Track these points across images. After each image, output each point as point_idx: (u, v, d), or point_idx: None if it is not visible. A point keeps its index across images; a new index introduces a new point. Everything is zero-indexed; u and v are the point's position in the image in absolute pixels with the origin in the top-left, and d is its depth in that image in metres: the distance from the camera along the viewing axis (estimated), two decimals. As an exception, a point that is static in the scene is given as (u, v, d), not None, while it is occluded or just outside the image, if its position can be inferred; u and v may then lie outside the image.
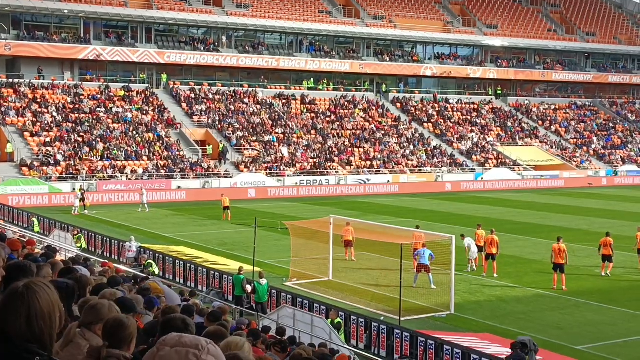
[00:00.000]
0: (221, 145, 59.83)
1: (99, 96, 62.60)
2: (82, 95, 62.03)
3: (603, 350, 18.83)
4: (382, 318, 20.47)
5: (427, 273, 25.09)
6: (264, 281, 21.91)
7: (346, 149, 64.66)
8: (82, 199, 45.16)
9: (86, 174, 52.05)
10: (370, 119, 71.36)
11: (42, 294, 3.06)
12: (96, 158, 54.12)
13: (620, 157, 75.89)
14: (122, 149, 56.12)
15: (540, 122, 79.93)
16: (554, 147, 75.05)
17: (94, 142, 55.79)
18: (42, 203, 47.17)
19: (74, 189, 48.35)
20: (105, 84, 64.47)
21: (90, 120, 58.67)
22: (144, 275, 22.78)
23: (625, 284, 26.59)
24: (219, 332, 5.51)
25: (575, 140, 78.01)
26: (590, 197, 56.70)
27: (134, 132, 58.80)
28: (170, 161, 56.23)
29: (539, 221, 42.74)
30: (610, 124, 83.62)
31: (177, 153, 57.77)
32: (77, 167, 52.33)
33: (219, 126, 62.99)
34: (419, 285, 25.35)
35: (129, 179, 52.83)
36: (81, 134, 56.65)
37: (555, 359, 16.92)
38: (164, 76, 68.17)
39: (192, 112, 64.41)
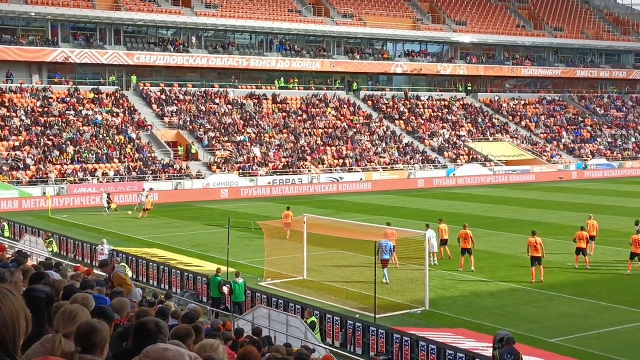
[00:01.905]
0: (192, 147, 59.57)
1: (68, 99, 62.01)
2: (51, 98, 61.42)
3: (576, 343, 19.01)
4: (357, 316, 20.50)
5: (385, 267, 25.16)
6: (240, 280, 21.84)
7: (318, 148, 64.68)
8: (109, 201, 45.77)
9: (56, 177, 51.55)
10: (342, 117, 71.44)
11: (5, 301, 3.01)
12: (66, 161, 53.64)
13: (590, 150, 76.72)
14: (92, 152, 55.66)
15: (510, 118, 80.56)
16: (525, 142, 75.68)
17: (63, 146, 55.26)
18: (12, 207, 46.66)
19: (44, 193, 48.02)
20: (74, 86, 63.86)
21: (60, 124, 58.10)
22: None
23: (596, 276, 26.87)
24: (187, 331, 5.48)
25: (545, 134, 78.72)
26: (561, 191, 57.26)
27: (104, 135, 58.34)
28: (141, 163, 55.85)
29: (511, 216, 43.07)
30: (579, 118, 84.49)
31: (149, 155, 57.41)
32: (47, 171, 51.80)
33: (190, 127, 62.70)
34: (392, 281, 25.41)
35: (100, 182, 52.41)
36: (50, 137, 56.10)
37: (530, 353, 17.03)
38: (134, 77, 67.69)
39: (162, 113, 64.04)
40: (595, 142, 79.40)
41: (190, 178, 55.71)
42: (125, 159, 56.04)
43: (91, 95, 63.34)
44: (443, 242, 29.59)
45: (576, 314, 21.91)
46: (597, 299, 23.37)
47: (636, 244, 26.47)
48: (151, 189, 50.27)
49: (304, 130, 67.31)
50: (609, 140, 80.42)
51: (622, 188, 59.23)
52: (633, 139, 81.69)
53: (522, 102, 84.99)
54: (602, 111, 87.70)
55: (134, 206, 45.79)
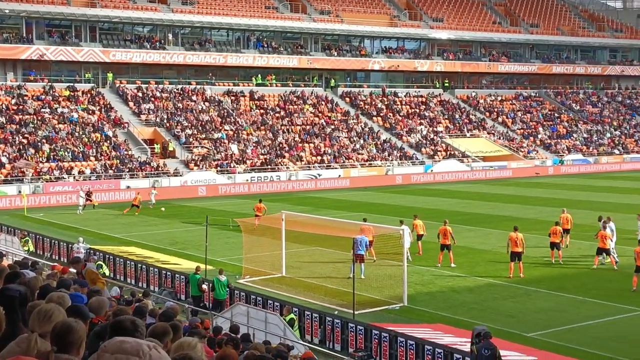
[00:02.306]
0: (169, 144, 59.33)
1: (43, 97, 61.47)
2: (26, 96, 60.85)
3: (553, 337, 19.15)
4: (336, 312, 20.51)
5: (361, 262, 25.19)
6: (223, 278, 21.81)
7: (296, 145, 64.63)
8: (89, 199, 45.54)
9: (32, 176, 51.10)
10: (320, 114, 71.44)
11: None
12: (42, 159, 53.17)
13: (566, 146, 77.31)
14: (68, 150, 55.24)
15: (487, 114, 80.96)
16: (501, 137, 76.11)
17: (39, 144, 54.79)
18: (-13, 207, 46.19)
19: (19, 192, 47.58)
20: (50, 84, 63.32)
21: (35, 122, 57.60)
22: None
23: (573, 270, 27.08)
24: (165, 330, 5.44)
25: (521, 130, 79.21)
26: (538, 187, 57.66)
27: (81, 133, 57.92)
28: (118, 161, 55.51)
29: (489, 211, 43.31)
30: (556, 114, 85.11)
31: (125, 152, 57.07)
32: (22, 169, 51.30)
33: (167, 124, 62.41)
34: (371, 277, 25.46)
35: (77, 180, 52.02)
36: (26, 135, 55.59)
37: (507, 347, 17.13)
38: (110, 75, 67.23)
39: (139, 110, 63.68)
40: (571, 137, 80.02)
41: (168, 176, 55.46)
42: (102, 157, 55.68)
43: (67, 93, 62.84)
44: (418, 237, 29.74)
45: (553, 308, 22.07)
46: (573, 293, 23.56)
47: (602, 239, 26.83)
48: (154, 186, 50.00)
49: (282, 127, 67.24)
50: (585, 135, 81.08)
51: (597, 183, 59.76)
52: (608, 135, 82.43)
53: (499, 98, 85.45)
54: (578, 107, 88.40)
55: (147, 202, 45.69)
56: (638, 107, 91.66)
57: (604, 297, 23.03)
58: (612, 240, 27.21)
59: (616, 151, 78.53)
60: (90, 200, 45.89)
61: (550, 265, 27.70)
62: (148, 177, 54.63)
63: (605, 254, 27.01)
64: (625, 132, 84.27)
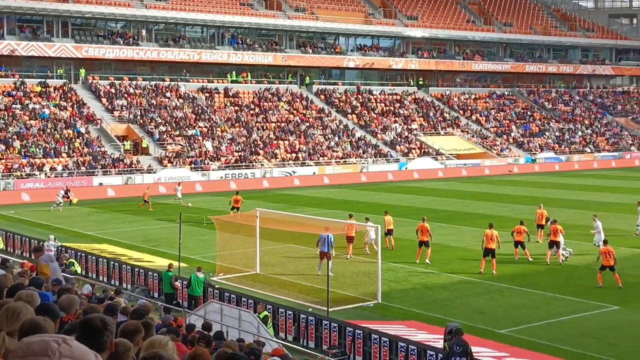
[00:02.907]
0: (143, 141, 58.96)
1: (14, 92, 60.74)
2: (-3, 91, 60.14)
3: (525, 333, 19.30)
4: (310, 310, 20.50)
5: (328, 260, 25.21)
6: (200, 275, 21.75)
7: (271, 142, 64.51)
8: (67, 196, 45.20)
9: (2, 172, 50.52)
10: (295, 111, 71.36)
11: None
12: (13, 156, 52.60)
13: (539, 144, 77.92)
14: (40, 146, 54.68)
15: (461, 112, 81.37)
16: (475, 135, 76.54)
17: (10, 140, 54.17)
18: (-44, 204, 45.59)
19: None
20: (21, 79, 62.59)
21: (6, 118, 56.94)
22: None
23: (544, 267, 27.29)
24: (136, 328, 5.39)
25: (495, 128, 79.71)
26: (511, 184, 58.05)
27: (52, 129, 57.36)
28: (90, 157, 55.05)
29: (462, 209, 43.52)
30: (528, 113, 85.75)
31: (98, 149, 56.61)
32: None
33: (141, 121, 61.99)
34: (345, 274, 25.49)
35: (48, 177, 51.52)
36: (-3, 131, 54.96)
37: (479, 343, 17.23)
38: (82, 71, 66.62)
39: (112, 107, 63.19)
40: (544, 136, 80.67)
41: (141, 173, 55.10)
42: (74, 154, 55.18)
43: (38, 89, 62.18)
44: (388, 233, 29.99)
45: (525, 305, 22.24)
46: (545, 290, 23.75)
47: (554, 233, 27.39)
48: (178, 182, 49.78)
49: (257, 125, 67.07)
50: (557, 134, 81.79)
51: (569, 181, 60.30)
52: (580, 133, 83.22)
53: (473, 96, 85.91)
54: (551, 106, 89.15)
55: (173, 197, 46.01)
56: (609, 106, 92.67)
57: (575, 293, 23.26)
58: (563, 235, 27.81)
59: (587, 149, 79.31)
60: (68, 198, 45.52)
61: (523, 262, 27.89)
62: (121, 174, 54.22)
63: (556, 247, 27.38)
64: (597, 130, 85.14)
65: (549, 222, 29.25)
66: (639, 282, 24.98)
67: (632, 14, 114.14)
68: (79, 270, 25.76)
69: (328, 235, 25.15)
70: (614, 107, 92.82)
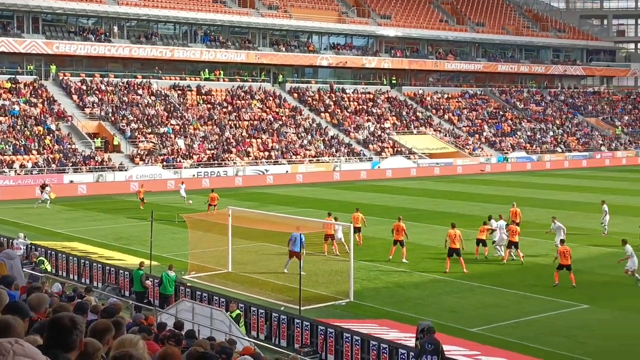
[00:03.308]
0: (115, 139, 58.52)
1: (-17, 88, 60.01)
2: (-34, 87, 59.35)
3: (496, 332, 19.43)
4: (282, 308, 20.48)
5: (298, 259, 25.24)
6: (172, 273, 21.59)
7: (244, 140, 64.33)
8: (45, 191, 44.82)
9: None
10: (268, 110, 71.22)
11: None
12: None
13: (510, 144, 78.51)
14: (9, 143, 54.03)
15: (434, 111, 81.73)
16: (448, 135, 76.92)
17: (-21, 137, 53.51)
18: None
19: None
20: (-10, 75, 61.86)
21: (-25, 114, 56.21)
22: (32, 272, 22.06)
23: (515, 267, 27.48)
24: (106, 327, 5.34)
25: (467, 128, 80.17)
26: (483, 184, 58.43)
27: (22, 126, 56.71)
28: (61, 155, 54.52)
29: (435, 208, 43.71)
30: (500, 112, 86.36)
31: (69, 146, 56.07)
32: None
33: (112, 118, 61.50)
34: (317, 273, 25.50)
35: (18, 174, 50.94)
36: (-35, 128, 54.23)
37: (450, 342, 17.31)
38: (53, 67, 65.93)
39: (83, 104, 62.61)
40: (516, 135, 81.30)
41: (113, 170, 54.68)
42: (45, 151, 54.62)
43: (8, 85, 61.44)
44: (357, 230, 30.08)
45: (496, 303, 22.39)
46: (516, 289, 23.93)
47: (512, 233, 27.72)
48: (182, 181, 49.13)
49: (230, 122, 66.85)
50: (529, 133, 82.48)
51: (540, 180, 60.83)
52: (551, 133, 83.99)
53: (445, 95, 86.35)
54: (522, 105, 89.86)
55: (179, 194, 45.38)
56: (580, 106, 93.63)
57: (545, 292, 23.46)
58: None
59: (558, 149, 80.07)
60: (47, 193, 45.15)
61: (495, 261, 28.07)
62: (92, 171, 53.77)
63: (514, 247, 27.64)
64: (568, 130, 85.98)
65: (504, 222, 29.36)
66: (608, 281, 25.26)
67: (602, 15, 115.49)
68: (49, 268, 25.50)
69: (300, 235, 25.13)
70: (585, 108, 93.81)
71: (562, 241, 25.69)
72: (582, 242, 32.06)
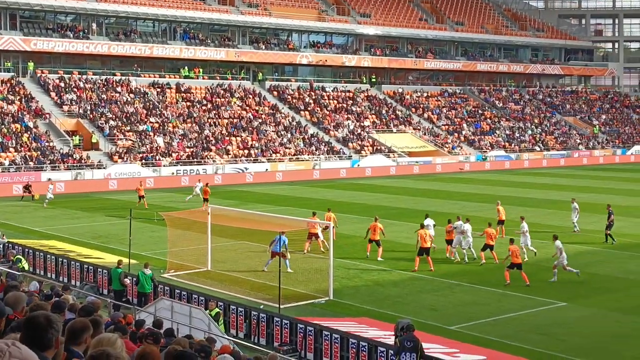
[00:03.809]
0: (93, 137, 58.12)
1: (-40, 85, 59.37)
2: (-59, 84, 58.67)
3: (475, 329, 19.50)
4: (261, 307, 20.44)
5: (283, 258, 25.20)
6: (148, 271, 21.45)
7: (223, 138, 64.14)
8: (28, 191, 44.95)
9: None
10: (247, 108, 71.06)
11: None
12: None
13: (489, 142, 78.87)
14: (-14, 141, 53.53)
15: (413, 110, 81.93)
16: (427, 133, 77.14)
17: (-45, 134, 52.93)
18: None
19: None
20: (-33, 72, 61.20)
21: (-49, 111, 55.59)
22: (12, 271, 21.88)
23: (494, 265, 27.56)
24: (84, 325, 5.29)
25: (446, 126, 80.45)
26: (462, 182, 58.67)
27: (0, 123, 56.16)
28: (39, 152, 54.06)
29: (414, 206, 43.80)
30: (479, 111, 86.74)
31: (47, 144, 55.62)
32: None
33: (91, 116, 61.07)
34: (297, 271, 25.49)
35: (-5, 172, 50.46)
36: (-59, 125, 53.62)
37: (430, 340, 17.36)
38: (31, 64, 65.33)
39: (61, 101, 62.13)
40: (494, 134, 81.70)
41: (91, 168, 54.31)
42: (22, 149, 54.14)
43: (-15, 82, 60.86)
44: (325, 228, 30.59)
45: (475, 301, 22.48)
46: (495, 287, 24.04)
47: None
48: (199, 180, 47.79)
49: (209, 120, 66.62)
50: (507, 132, 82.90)
51: (519, 179, 61.18)
52: (530, 132, 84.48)
53: (425, 94, 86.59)
54: (501, 104, 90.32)
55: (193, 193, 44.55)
56: (558, 105, 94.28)
57: (524, 290, 23.59)
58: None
59: (537, 148, 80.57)
60: (30, 192, 45.00)
61: (473, 260, 28.16)
62: (70, 169, 53.37)
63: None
64: (546, 129, 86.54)
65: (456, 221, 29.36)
66: (586, 279, 25.43)
67: (580, 15, 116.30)
68: (26, 267, 25.29)
69: (281, 237, 25.11)
70: (563, 107, 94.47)
71: (511, 240, 25.80)
72: (561, 240, 32.23)
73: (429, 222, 29.22)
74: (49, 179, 47.89)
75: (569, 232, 33.80)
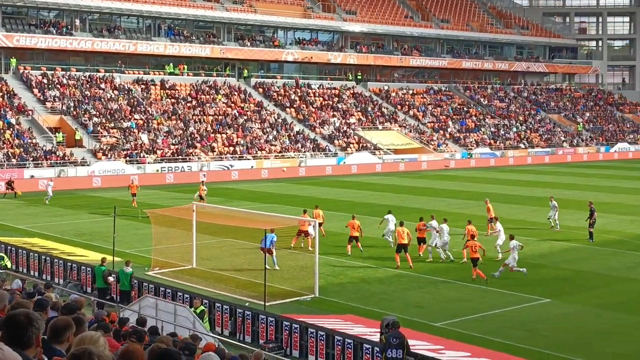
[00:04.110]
0: (77, 134, 57.78)
1: (-58, 81, 58.84)
2: None
3: (460, 326, 19.54)
4: (247, 304, 20.38)
5: (270, 255, 25.17)
6: (128, 269, 21.30)
7: (208, 135, 63.95)
8: (11, 187, 44.80)
9: None
10: (233, 105, 70.87)
11: None
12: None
13: (474, 140, 79.08)
14: (-31, 138, 53.10)
15: (399, 107, 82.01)
16: (413, 131, 77.23)
17: (-63, 131, 52.47)
18: None
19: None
20: (-51, 68, 60.66)
21: None
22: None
23: (480, 262, 27.62)
24: (67, 323, 5.23)
25: (432, 124, 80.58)
26: (447, 179, 58.78)
27: (-18, 120, 55.79)
28: (22, 149, 53.69)
29: (400, 203, 43.80)
30: (465, 108, 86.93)
31: (30, 141, 55.24)
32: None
33: (74, 112, 60.71)
34: (282, 269, 25.46)
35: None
36: None
37: (415, 337, 17.37)
38: (13, 60, 64.86)
39: (44, 98, 61.71)
40: (480, 131, 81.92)
41: (75, 165, 53.98)
42: (5, 145, 53.74)
43: (-32, 78, 60.37)
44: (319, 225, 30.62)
45: (460, 298, 22.52)
46: (479, 283, 24.08)
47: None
48: (203, 181, 47.29)
49: (194, 117, 66.39)
50: (492, 130, 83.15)
51: (504, 176, 61.37)
52: (514, 129, 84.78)
53: (411, 91, 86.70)
54: (486, 102, 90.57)
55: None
56: (543, 103, 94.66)
57: (507, 286, 23.65)
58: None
59: (522, 145, 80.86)
60: (12, 189, 44.74)
61: (456, 255, 28.18)
62: (53, 166, 53.04)
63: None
64: (531, 126, 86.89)
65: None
66: (570, 275, 25.56)
67: (565, 13, 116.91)
68: (9, 265, 25.10)
69: (268, 235, 25.06)
70: (547, 104, 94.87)
71: (472, 236, 25.84)
72: (544, 237, 32.44)
73: (389, 217, 29.34)
74: (50, 178, 47.37)
75: (550, 230, 33.94)
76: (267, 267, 23.66)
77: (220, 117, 67.65)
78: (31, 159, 52.98)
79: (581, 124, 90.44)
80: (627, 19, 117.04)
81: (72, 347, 5.12)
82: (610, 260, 28.06)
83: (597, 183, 55.50)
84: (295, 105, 74.74)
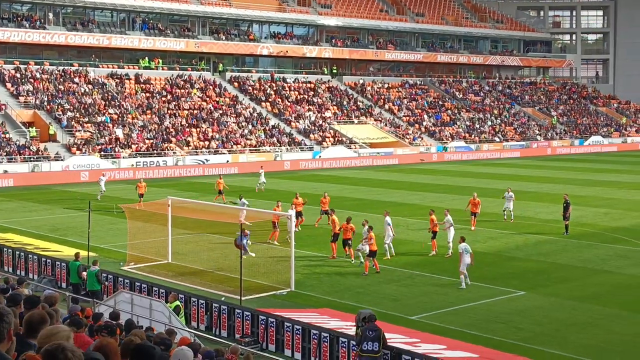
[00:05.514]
0: (51, 128, 57.24)
1: None
2: None
3: (435, 319, 19.64)
4: (223, 299, 20.33)
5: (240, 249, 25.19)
6: (94, 268, 20.99)
7: (183, 129, 63.64)
8: None
9: None
10: (208, 99, 70.57)
11: None
12: None
13: (450, 133, 79.40)
14: (-60, 133, 52.42)
15: (374, 101, 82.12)
16: (388, 124, 77.39)
17: None
18: None
19: None
20: None
21: None
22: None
23: (455, 255, 27.73)
24: (42, 318, 5.18)
25: (407, 117, 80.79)
26: (423, 173, 58.99)
27: (-46, 114, 55.10)
28: (-5, 144, 53.12)
29: (375, 197, 43.95)
30: (440, 102, 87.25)
31: (3, 136, 54.64)
32: None
33: (48, 107, 60.13)
34: (258, 263, 25.42)
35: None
36: None
37: (391, 330, 17.42)
38: (-14, 54, 64.13)
39: (17, 92, 61.05)
40: (455, 125, 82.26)
41: (49, 160, 53.50)
42: (-23, 140, 53.13)
43: (-62, 73, 59.54)
44: (299, 214, 31.30)
45: (436, 291, 22.63)
46: (455, 277, 24.16)
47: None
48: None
49: (169, 112, 66.02)
50: (467, 123, 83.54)
51: (479, 170, 61.72)
52: (489, 123, 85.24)
53: (386, 85, 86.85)
54: (461, 95, 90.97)
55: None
56: (517, 97, 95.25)
57: (483, 279, 23.79)
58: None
59: (496, 139, 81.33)
60: None
61: (440, 251, 28.31)
62: (27, 161, 52.52)
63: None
64: (505, 120, 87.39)
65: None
66: (544, 268, 25.76)
67: (539, 7, 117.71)
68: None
69: (245, 237, 25.10)
70: (522, 98, 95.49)
71: (370, 227, 25.42)
72: (519, 230, 32.66)
73: (388, 219, 28.73)
74: (102, 173, 46.68)
75: (533, 223, 34.21)
76: (248, 253, 23.66)
77: (195, 112, 67.33)
78: (4, 153, 52.41)
79: (555, 117, 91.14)
80: (600, 12, 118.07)
81: (39, 340, 5.05)
82: (585, 253, 28.31)
83: (571, 176, 55.97)
84: (270, 100, 74.58)
